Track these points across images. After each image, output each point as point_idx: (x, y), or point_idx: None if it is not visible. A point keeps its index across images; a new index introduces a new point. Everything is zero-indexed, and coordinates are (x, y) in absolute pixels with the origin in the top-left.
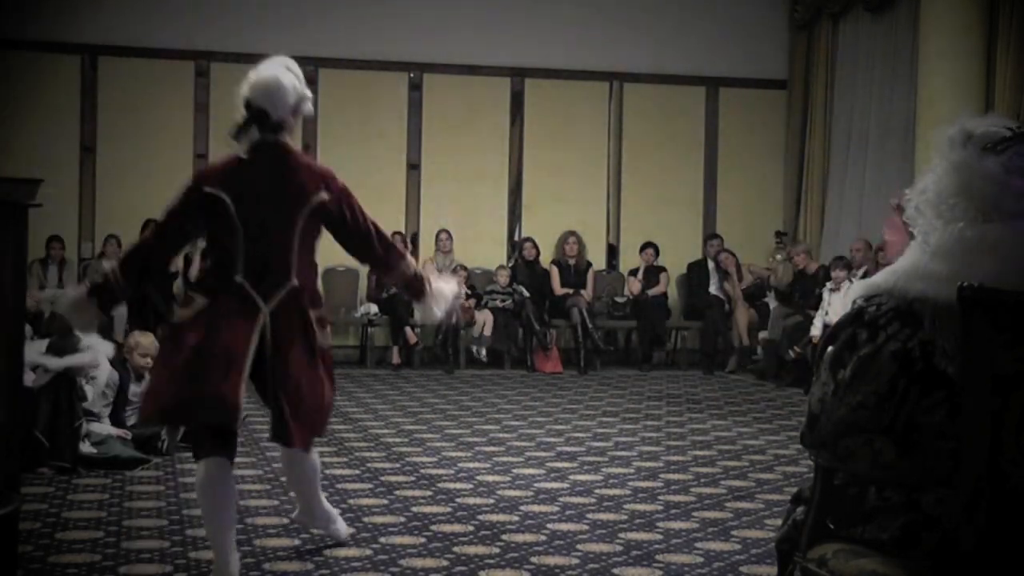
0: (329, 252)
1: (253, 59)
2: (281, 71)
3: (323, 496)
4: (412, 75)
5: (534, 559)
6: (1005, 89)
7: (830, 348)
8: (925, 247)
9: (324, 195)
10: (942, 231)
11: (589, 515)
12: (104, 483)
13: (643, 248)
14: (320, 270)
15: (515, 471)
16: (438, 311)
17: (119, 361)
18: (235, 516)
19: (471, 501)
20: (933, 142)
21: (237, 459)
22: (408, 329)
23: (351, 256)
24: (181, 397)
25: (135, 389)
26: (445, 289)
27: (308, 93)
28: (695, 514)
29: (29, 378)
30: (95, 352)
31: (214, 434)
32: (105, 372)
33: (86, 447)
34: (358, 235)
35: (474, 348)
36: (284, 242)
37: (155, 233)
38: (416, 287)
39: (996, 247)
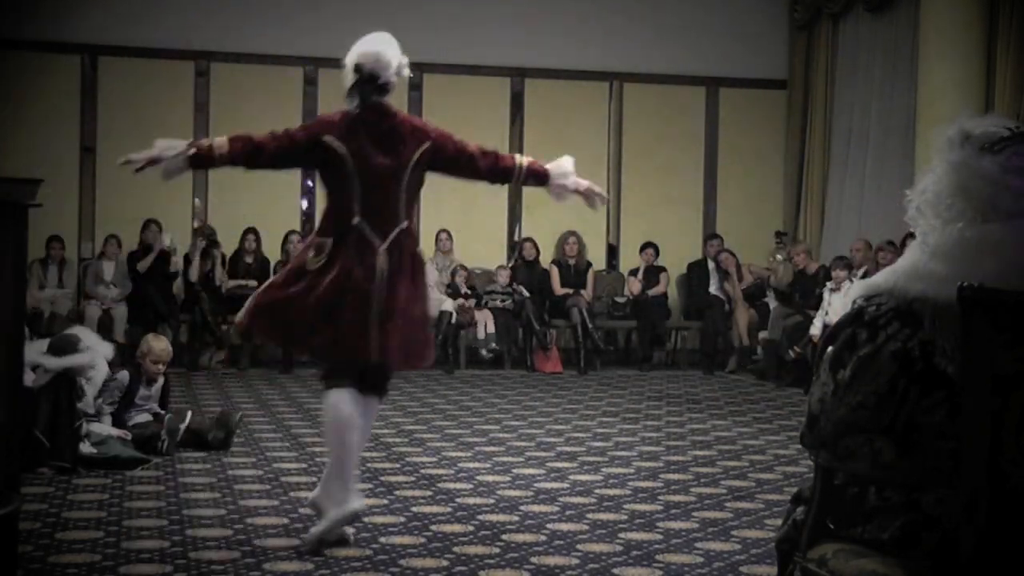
0: None
1: (253, 59)
2: (385, 40)
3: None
4: (412, 75)
5: (534, 559)
6: (1005, 89)
7: (830, 348)
8: (924, 247)
9: (425, 144)
10: (941, 231)
11: (589, 515)
12: (104, 483)
13: (643, 248)
14: None
15: (515, 471)
16: (570, 183)
17: (130, 363)
18: (360, 449)
19: (471, 501)
20: (933, 142)
21: (236, 459)
22: None
23: (469, 179)
24: (323, 335)
25: (144, 392)
26: (563, 162)
27: (405, 59)
28: (695, 514)
29: (29, 378)
30: (94, 353)
31: (346, 367)
32: (102, 373)
33: (86, 447)
34: (464, 159)
35: (483, 350)
36: (395, 189)
37: (270, 141)
38: (539, 173)
39: (997, 247)
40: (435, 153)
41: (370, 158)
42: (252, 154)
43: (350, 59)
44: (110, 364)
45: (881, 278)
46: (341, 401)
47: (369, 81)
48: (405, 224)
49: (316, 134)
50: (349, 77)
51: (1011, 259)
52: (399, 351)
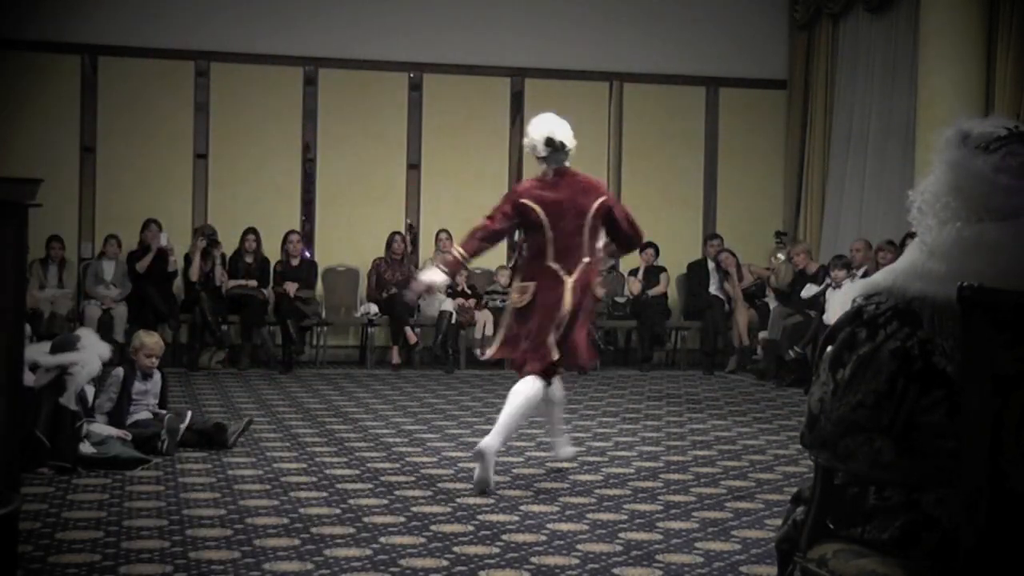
0: (328, 251)
1: (253, 59)
2: (557, 118)
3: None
4: (412, 75)
5: (534, 559)
6: (1005, 90)
7: (829, 348)
8: (923, 246)
9: (602, 198)
10: (938, 231)
11: (589, 515)
12: (104, 483)
13: (643, 248)
14: (320, 269)
15: (515, 471)
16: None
17: (125, 360)
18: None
19: (471, 501)
20: (933, 142)
21: (236, 459)
22: (408, 329)
23: (614, 240)
24: (545, 350)
25: (140, 387)
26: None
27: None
28: (695, 514)
29: (30, 378)
30: (88, 352)
31: (547, 370)
32: (88, 371)
33: (86, 447)
34: (624, 224)
35: (479, 351)
36: (579, 235)
37: (493, 221)
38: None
39: (994, 247)
40: (607, 211)
41: (560, 215)
42: (488, 244)
43: (539, 134)
44: (108, 364)
45: (880, 277)
46: (535, 384)
47: (560, 149)
48: (588, 259)
49: (517, 199)
50: (541, 148)
51: (1008, 259)
52: (576, 355)
